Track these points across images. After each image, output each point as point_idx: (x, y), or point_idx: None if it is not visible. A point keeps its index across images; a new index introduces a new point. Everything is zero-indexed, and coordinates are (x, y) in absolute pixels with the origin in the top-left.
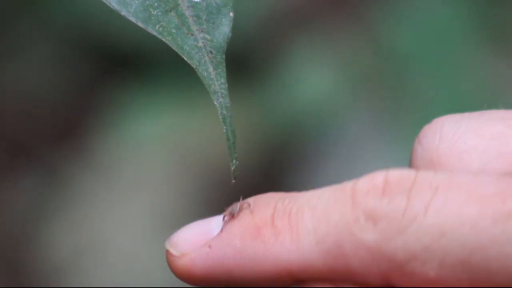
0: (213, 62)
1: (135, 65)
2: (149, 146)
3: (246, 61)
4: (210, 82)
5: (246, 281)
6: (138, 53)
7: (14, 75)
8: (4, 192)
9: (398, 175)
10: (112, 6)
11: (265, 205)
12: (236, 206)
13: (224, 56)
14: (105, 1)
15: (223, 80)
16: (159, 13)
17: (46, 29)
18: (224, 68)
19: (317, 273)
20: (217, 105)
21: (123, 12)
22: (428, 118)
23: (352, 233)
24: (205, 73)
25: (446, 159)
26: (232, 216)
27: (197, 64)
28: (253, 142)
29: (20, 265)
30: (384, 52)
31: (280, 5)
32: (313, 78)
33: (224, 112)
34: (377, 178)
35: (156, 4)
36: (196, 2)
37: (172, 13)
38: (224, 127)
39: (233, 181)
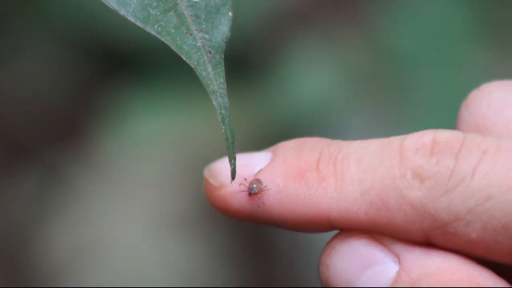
0: (212, 61)
1: (135, 65)
2: (149, 146)
3: (245, 61)
4: (209, 81)
5: (282, 221)
6: (138, 53)
7: (14, 75)
8: (4, 192)
9: (447, 136)
10: (111, 5)
11: (311, 149)
12: (256, 186)
13: (223, 56)
14: (104, 1)
15: (221, 80)
16: (158, 13)
17: (46, 29)
18: (223, 68)
19: (357, 223)
20: (216, 105)
21: (122, 12)
22: (428, 117)
23: (397, 189)
24: (204, 73)
25: (493, 126)
26: (250, 194)
27: (196, 63)
28: (252, 142)
29: (20, 265)
30: (384, 52)
31: (280, 5)
32: (313, 78)
33: (223, 112)
34: (426, 137)
35: (155, 3)
36: (195, 2)
37: (171, 12)
38: (223, 127)
39: (232, 181)
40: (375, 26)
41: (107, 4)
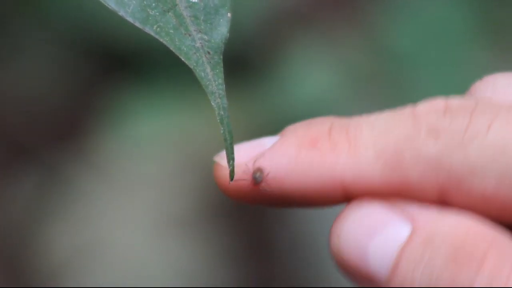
0: (210, 62)
1: (135, 65)
2: (149, 146)
3: (244, 61)
4: (208, 82)
5: (296, 195)
6: (138, 53)
7: (14, 75)
8: (4, 192)
9: (459, 101)
10: (110, 6)
11: (322, 123)
12: (261, 174)
13: (221, 57)
14: (103, 1)
15: (220, 80)
16: (157, 13)
17: (46, 29)
18: (222, 69)
19: (372, 186)
20: (215, 106)
21: (121, 12)
22: None
23: (412, 146)
24: (203, 74)
25: None
26: (255, 183)
27: (195, 64)
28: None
29: (20, 265)
30: (384, 52)
31: (280, 5)
32: (313, 78)
33: (222, 112)
34: (438, 102)
35: (154, 4)
36: (194, 3)
37: (170, 13)
38: (222, 128)
39: (231, 182)
40: (375, 26)
41: (105, 4)
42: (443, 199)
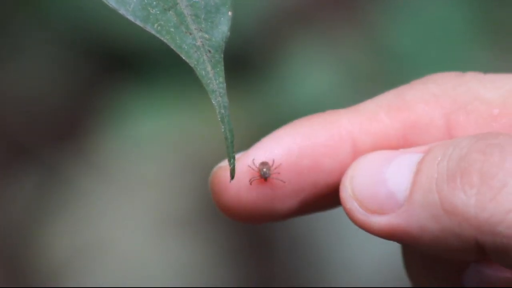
0: (211, 61)
1: (135, 65)
2: (149, 146)
3: (245, 60)
4: (209, 81)
5: (307, 180)
6: (138, 53)
7: (14, 75)
8: (4, 192)
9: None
10: (111, 4)
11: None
12: (267, 169)
13: (222, 55)
14: (104, 0)
15: (221, 79)
16: (158, 12)
17: (46, 29)
18: (223, 67)
19: (380, 131)
20: (215, 104)
21: (122, 11)
22: None
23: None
24: (204, 72)
25: None
26: (264, 178)
27: (196, 63)
28: (252, 141)
29: (20, 265)
30: (384, 52)
31: (280, 4)
32: (313, 78)
33: (222, 111)
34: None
35: (154, 2)
36: (195, 1)
37: (170, 12)
38: (222, 126)
39: (231, 180)
40: (375, 26)
41: (106, 3)
42: (450, 132)
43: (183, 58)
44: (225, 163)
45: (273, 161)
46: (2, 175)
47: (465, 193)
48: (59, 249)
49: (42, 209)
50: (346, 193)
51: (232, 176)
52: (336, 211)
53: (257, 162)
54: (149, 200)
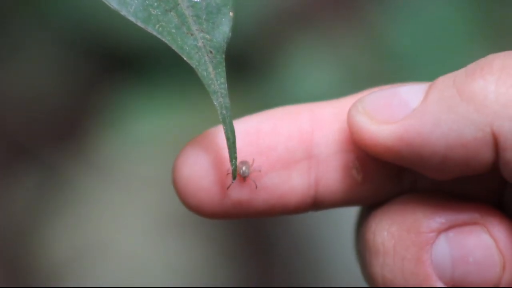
0: (212, 61)
1: (135, 65)
2: (149, 146)
3: (246, 61)
4: (210, 82)
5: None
6: (138, 53)
7: (14, 75)
8: (4, 192)
9: None
10: (112, 5)
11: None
12: (246, 167)
13: (223, 56)
14: (105, 1)
15: (222, 80)
16: (159, 13)
17: (46, 29)
18: (224, 68)
19: None
20: (217, 105)
21: (123, 12)
22: None
23: None
24: (205, 73)
25: None
26: (243, 178)
27: (197, 64)
28: None
29: (20, 265)
30: (384, 52)
31: (280, 5)
32: (313, 77)
33: (224, 111)
34: None
35: (156, 3)
36: (196, 2)
37: (172, 12)
38: (224, 127)
39: (233, 181)
40: (375, 26)
41: (108, 4)
42: None
43: (185, 59)
44: (191, 151)
45: (253, 160)
46: (2, 175)
47: (485, 80)
48: (59, 249)
49: (42, 209)
50: (355, 110)
51: (234, 176)
52: (336, 211)
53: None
54: (149, 200)
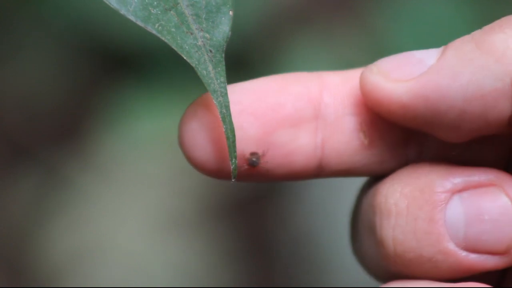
0: (212, 61)
1: (135, 65)
2: (149, 146)
3: (245, 60)
4: (210, 81)
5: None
6: (138, 53)
7: (14, 75)
8: (4, 192)
9: None
10: (112, 5)
11: None
12: (256, 158)
13: (223, 55)
14: (105, 0)
15: (222, 79)
16: (159, 12)
17: (46, 29)
18: (224, 67)
19: None
20: (217, 104)
21: (123, 11)
22: None
23: None
24: (205, 72)
25: None
26: (252, 166)
27: (197, 63)
28: None
29: (20, 265)
30: (384, 52)
31: (280, 4)
32: None
33: (224, 111)
34: None
35: (155, 2)
36: (196, 1)
37: (171, 12)
38: (224, 126)
39: (233, 180)
40: (375, 26)
41: (107, 3)
42: None
43: (184, 58)
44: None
45: (263, 151)
46: (2, 175)
47: (505, 33)
48: (59, 249)
49: (42, 209)
50: (369, 71)
51: (234, 175)
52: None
53: (247, 152)
54: (149, 200)
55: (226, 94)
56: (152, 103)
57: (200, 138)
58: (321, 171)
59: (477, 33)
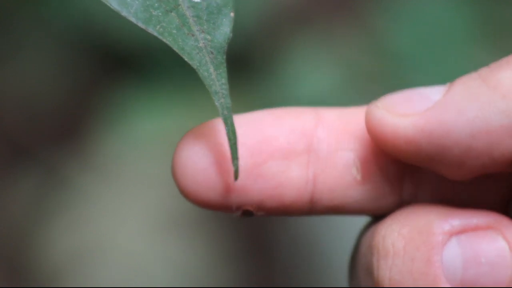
0: (214, 62)
1: (135, 65)
2: (149, 146)
3: (247, 61)
4: (211, 82)
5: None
6: (138, 53)
7: (14, 75)
8: (4, 192)
9: None
10: (113, 6)
11: None
12: (250, 214)
13: (225, 57)
14: (106, 2)
15: (224, 80)
16: (160, 14)
17: (46, 29)
18: (225, 69)
19: None
20: (218, 106)
21: (124, 13)
22: None
23: None
24: (206, 74)
25: None
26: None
27: (198, 64)
28: None
29: (20, 265)
30: (384, 52)
31: (281, 5)
32: (313, 78)
33: (225, 112)
34: None
35: (156, 4)
36: (197, 3)
37: (172, 13)
38: (226, 128)
39: (235, 181)
40: (375, 26)
41: (108, 5)
42: None
43: (186, 59)
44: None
45: (257, 207)
46: (2, 175)
47: None
48: (59, 249)
49: (42, 209)
50: (373, 106)
51: (236, 177)
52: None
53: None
54: (149, 200)
55: (227, 95)
56: (152, 103)
57: (193, 168)
58: (313, 206)
59: (484, 70)
